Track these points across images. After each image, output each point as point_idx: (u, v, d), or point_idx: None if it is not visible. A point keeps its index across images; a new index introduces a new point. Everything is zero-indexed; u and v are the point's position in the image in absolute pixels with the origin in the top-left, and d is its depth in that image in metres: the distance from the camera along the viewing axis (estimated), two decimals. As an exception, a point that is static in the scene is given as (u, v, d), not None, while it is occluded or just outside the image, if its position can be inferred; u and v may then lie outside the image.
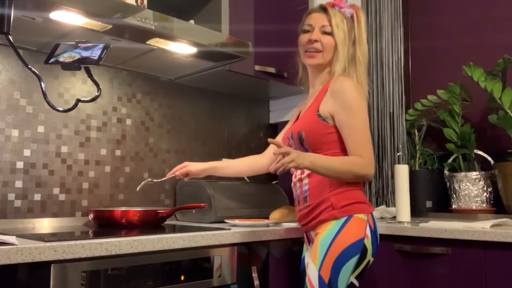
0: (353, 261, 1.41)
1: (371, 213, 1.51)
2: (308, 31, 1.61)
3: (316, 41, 1.57)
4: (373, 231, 1.47)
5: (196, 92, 2.32)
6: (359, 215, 1.46)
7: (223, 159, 2.36)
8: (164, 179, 1.83)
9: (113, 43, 1.62)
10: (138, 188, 1.80)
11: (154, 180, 1.84)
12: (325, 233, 1.45)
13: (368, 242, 1.44)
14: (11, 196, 1.69)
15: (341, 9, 1.59)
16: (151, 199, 2.09)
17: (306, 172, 1.54)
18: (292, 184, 1.63)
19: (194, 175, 1.81)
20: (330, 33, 1.56)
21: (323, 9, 1.60)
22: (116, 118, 2.01)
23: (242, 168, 1.87)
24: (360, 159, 1.44)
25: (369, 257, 1.45)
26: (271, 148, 1.83)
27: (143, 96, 2.12)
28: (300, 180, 1.57)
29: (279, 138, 1.82)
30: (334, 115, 1.49)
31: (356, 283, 1.44)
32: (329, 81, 1.56)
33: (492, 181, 2.19)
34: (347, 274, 1.40)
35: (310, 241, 1.58)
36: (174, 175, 1.80)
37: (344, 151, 1.50)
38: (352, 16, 1.61)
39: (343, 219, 1.44)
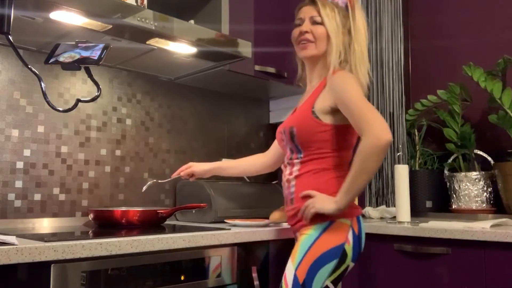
0: (331, 265, 1.39)
1: (358, 216, 1.47)
2: (299, 25, 1.58)
3: (306, 32, 1.54)
4: (357, 236, 1.44)
5: (196, 92, 2.32)
6: (342, 220, 1.43)
7: (223, 159, 2.37)
8: (169, 179, 1.84)
9: (113, 43, 1.62)
10: (144, 189, 1.81)
11: (159, 181, 1.84)
12: (307, 235, 1.43)
13: (348, 248, 1.41)
14: (11, 196, 1.69)
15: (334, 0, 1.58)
16: (151, 199, 2.08)
17: (294, 173, 1.51)
18: (282, 183, 1.61)
19: (199, 175, 1.81)
20: (321, 23, 1.54)
21: (312, 1, 1.58)
22: (116, 118, 2.01)
23: (247, 168, 1.86)
24: (363, 141, 1.34)
25: (349, 262, 1.42)
26: (274, 147, 1.82)
27: (143, 96, 2.12)
28: (288, 181, 1.54)
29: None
30: (337, 106, 1.44)
31: (331, 287, 1.42)
32: (326, 77, 1.52)
33: (492, 181, 2.19)
34: (323, 277, 1.39)
35: (296, 241, 1.55)
36: (179, 175, 1.80)
37: (335, 151, 1.47)
38: (346, 6, 1.58)
39: (325, 224, 1.42)
